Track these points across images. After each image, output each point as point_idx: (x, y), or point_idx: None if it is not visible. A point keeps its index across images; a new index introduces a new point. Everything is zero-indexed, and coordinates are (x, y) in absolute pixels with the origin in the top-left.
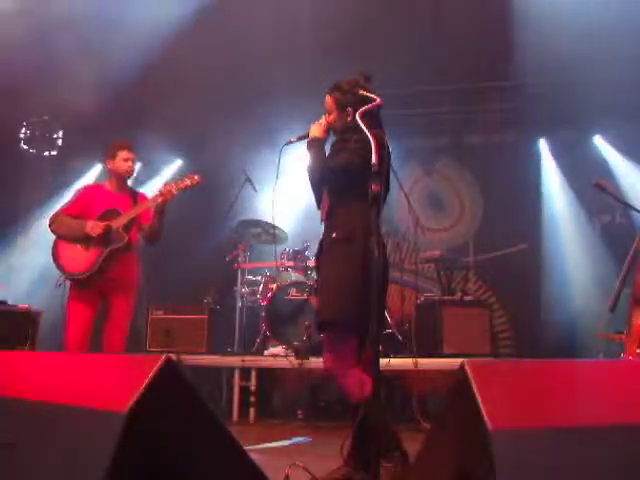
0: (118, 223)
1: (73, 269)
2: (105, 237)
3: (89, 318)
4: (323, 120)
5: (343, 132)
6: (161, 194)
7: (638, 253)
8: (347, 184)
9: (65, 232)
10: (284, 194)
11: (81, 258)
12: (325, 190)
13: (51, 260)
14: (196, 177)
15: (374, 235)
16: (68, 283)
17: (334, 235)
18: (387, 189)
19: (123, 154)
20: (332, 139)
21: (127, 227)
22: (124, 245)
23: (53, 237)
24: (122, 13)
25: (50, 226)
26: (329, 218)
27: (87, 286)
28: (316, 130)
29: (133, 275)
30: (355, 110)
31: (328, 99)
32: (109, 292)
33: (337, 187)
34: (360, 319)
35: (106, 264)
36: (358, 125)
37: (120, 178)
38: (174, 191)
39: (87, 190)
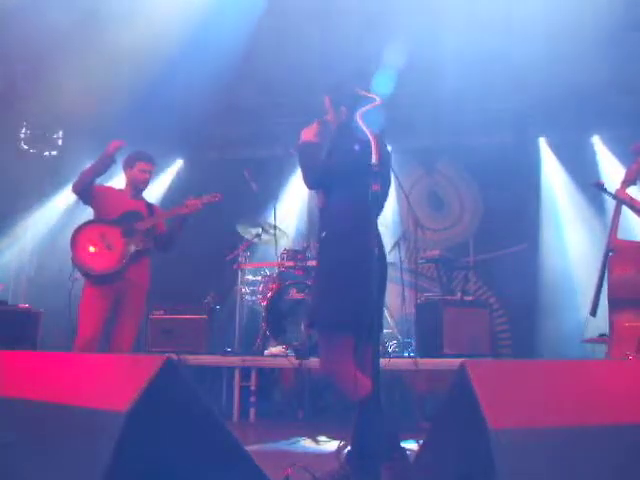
0: (142, 226)
1: (96, 266)
2: (128, 237)
3: (103, 316)
4: (315, 124)
5: (337, 131)
6: (187, 206)
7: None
8: (333, 184)
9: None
10: (287, 194)
11: (104, 256)
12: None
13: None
14: (218, 195)
15: (373, 235)
16: (77, 280)
17: (323, 235)
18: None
19: (141, 165)
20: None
21: (149, 231)
22: (147, 248)
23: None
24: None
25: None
26: (320, 218)
27: (106, 283)
28: (306, 133)
29: (146, 277)
30: (349, 109)
31: (325, 100)
32: (123, 291)
33: (325, 188)
34: (352, 319)
35: (127, 264)
36: (350, 124)
37: (135, 187)
38: (200, 205)
39: (109, 188)
